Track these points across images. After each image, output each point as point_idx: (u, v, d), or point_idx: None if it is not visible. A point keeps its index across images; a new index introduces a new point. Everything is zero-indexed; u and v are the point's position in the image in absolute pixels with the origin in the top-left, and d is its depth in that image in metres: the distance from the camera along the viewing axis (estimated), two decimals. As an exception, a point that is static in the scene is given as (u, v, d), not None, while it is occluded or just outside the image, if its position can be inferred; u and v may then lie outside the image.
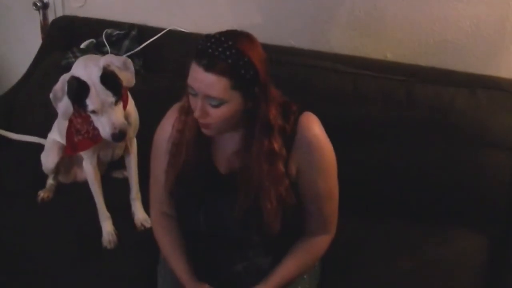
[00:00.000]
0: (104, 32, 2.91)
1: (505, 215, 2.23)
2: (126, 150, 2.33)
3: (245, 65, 1.54)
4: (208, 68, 1.52)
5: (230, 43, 1.54)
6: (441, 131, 2.27)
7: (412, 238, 2.18)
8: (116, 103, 1.98)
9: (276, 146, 1.65)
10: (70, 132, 2.15)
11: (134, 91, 2.20)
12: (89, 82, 1.94)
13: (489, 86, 2.31)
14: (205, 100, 1.57)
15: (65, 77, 2.00)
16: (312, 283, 1.89)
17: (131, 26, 2.92)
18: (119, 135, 1.99)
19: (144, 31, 2.90)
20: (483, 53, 2.44)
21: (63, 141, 2.33)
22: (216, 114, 1.59)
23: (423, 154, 2.28)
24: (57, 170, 2.48)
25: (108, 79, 1.97)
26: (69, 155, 2.37)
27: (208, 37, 1.57)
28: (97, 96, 1.94)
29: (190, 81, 1.58)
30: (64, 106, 2.01)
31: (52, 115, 2.47)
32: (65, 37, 3.06)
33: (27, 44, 3.38)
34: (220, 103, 1.56)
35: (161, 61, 2.83)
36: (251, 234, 1.73)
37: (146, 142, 2.09)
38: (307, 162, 1.70)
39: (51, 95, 2.03)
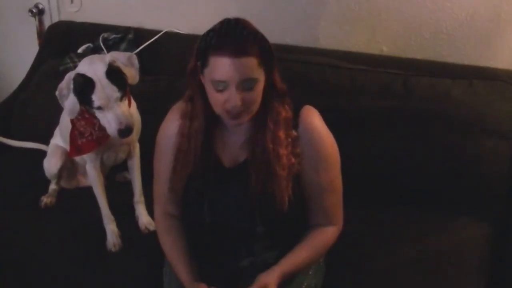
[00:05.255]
0: (100, 36, 2.91)
1: (506, 203, 2.24)
2: (129, 154, 2.33)
3: (262, 39, 1.62)
4: (237, 53, 1.55)
5: (240, 25, 1.60)
6: (439, 122, 2.28)
7: (414, 228, 2.20)
8: (121, 98, 1.98)
9: (289, 112, 1.73)
10: (74, 135, 2.15)
11: (132, 94, 2.20)
12: (94, 77, 1.94)
13: (485, 76, 2.33)
14: (239, 86, 1.58)
15: (70, 75, 2.00)
16: (318, 278, 1.90)
17: (128, 29, 2.93)
18: (126, 131, 1.98)
19: (141, 33, 2.91)
20: (479, 44, 2.45)
21: (65, 145, 2.34)
22: (252, 97, 1.62)
23: (422, 145, 2.30)
24: (60, 175, 2.48)
25: (114, 74, 1.97)
26: (73, 157, 2.37)
27: (215, 30, 1.61)
28: (103, 91, 1.94)
29: (218, 75, 1.58)
30: (70, 103, 2.00)
31: (51, 122, 2.49)
32: (62, 43, 3.07)
33: (23, 51, 3.39)
34: (253, 84, 1.60)
35: (158, 63, 2.83)
36: (256, 224, 1.74)
37: (146, 144, 2.10)
38: (309, 152, 1.73)
39: (56, 93, 2.02)
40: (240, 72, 1.56)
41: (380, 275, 1.98)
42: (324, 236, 1.81)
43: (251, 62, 1.57)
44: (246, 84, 1.59)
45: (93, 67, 1.97)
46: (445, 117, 2.28)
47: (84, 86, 1.95)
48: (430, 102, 2.30)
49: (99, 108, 1.97)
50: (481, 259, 2.08)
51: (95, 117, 2.04)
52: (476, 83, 2.29)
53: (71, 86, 1.98)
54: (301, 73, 2.45)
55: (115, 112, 1.96)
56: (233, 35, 1.58)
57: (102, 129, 2.06)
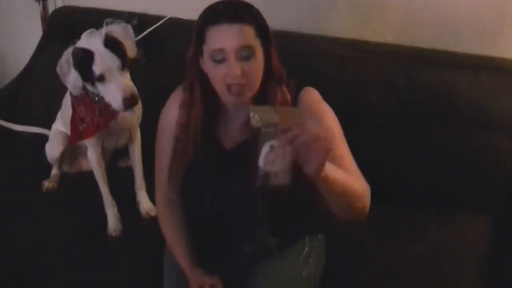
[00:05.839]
0: (104, 22, 2.89)
1: (509, 198, 2.23)
2: (130, 139, 2.33)
3: (258, 14, 1.66)
4: (233, 19, 1.58)
5: (235, 0, 1.63)
6: (444, 114, 2.28)
7: (415, 223, 2.19)
8: (122, 68, 1.98)
9: (287, 96, 1.71)
10: (74, 121, 2.15)
11: (136, 80, 2.19)
12: (92, 48, 1.96)
13: (491, 67, 2.31)
14: (237, 55, 1.59)
15: (69, 50, 2.02)
16: (318, 267, 1.90)
17: (131, 15, 2.91)
18: (131, 100, 1.98)
19: (145, 20, 2.89)
20: (485, 34, 2.43)
21: (67, 130, 2.34)
22: (251, 69, 1.62)
23: (425, 138, 2.29)
24: (61, 159, 2.49)
25: (111, 43, 1.98)
26: (74, 143, 2.37)
27: (211, 6, 1.64)
28: (102, 60, 1.95)
29: (215, 43, 1.60)
30: (72, 79, 2.01)
31: (54, 107, 2.49)
32: (66, 28, 3.04)
33: (27, 36, 3.37)
34: (252, 53, 1.61)
35: (162, 50, 2.82)
36: (256, 206, 1.73)
37: (148, 131, 2.09)
38: None
39: (57, 69, 2.03)
40: (237, 39, 1.58)
41: (381, 271, 1.98)
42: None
43: (248, 30, 1.60)
44: (244, 52, 1.59)
45: (90, 40, 1.99)
46: (449, 110, 2.28)
47: (84, 59, 1.96)
48: (434, 94, 2.30)
49: (101, 79, 1.96)
50: (484, 254, 2.07)
51: (95, 102, 2.05)
52: (482, 74, 2.28)
53: (71, 61, 1.99)
54: (305, 62, 2.44)
55: (117, 82, 1.97)
56: (229, 6, 1.61)
57: (102, 114, 2.07)
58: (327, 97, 1.81)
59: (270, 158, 1.36)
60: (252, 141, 1.39)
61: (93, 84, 2.00)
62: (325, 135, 1.36)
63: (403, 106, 2.32)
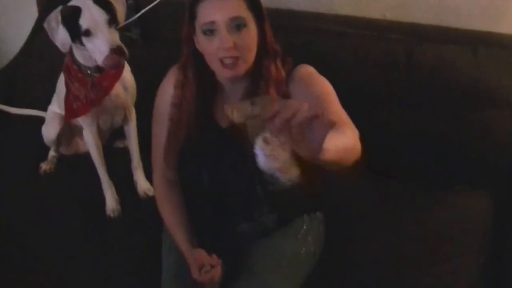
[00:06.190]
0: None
1: (510, 175, 2.22)
2: (125, 119, 2.32)
3: None
4: None
5: None
6: (443, 91, 2.26)
7: (416, 201, 2.18)
8: (110, 24, 1.96)
9: (282, 72, 1.71)
10: (69, 99, 2.14)
11: (132, 60, 2.17)
12: (80, 4, 1.95)
13: (490, 43, 2.29)
14: (228, 27, 1.59)
15: (58, 8, 2.00)
16: (317, 245, 1.90)
17: (128, -5, 2.89)
18: (117, 51, 1.93)
19: (141, -1, 2.88)
20: (484, 9, 2.41)
21: (62, 112, 2.33)
22: (244, 41, 1.62)
23: (424, 115, 2.28)
24: (58, 141, 2.48)
25: (101, 1, 1.97)
26: (70, 122, 2.36)
27: None
28: (90, 14, 1.93)
29: (206, 17, 1.61)
30: (61, 36, 1.99)
31: (51, 88, 2.47)
32: (61, 9, 3.03)
33: (23, 18, 3.35)
34: (243, 23, 1.61)
35: (159, 30, 2.80)
36: (254, 185, 1.72)
37: (145, 112, 2.09)
38: (307, 95, 1.67)
39: (45, 25, 2.02)
40: (227, 10, 1.58)
41: (381, 247, 1.98)
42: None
43: (238, 2, 1.60)
44: (235, 23, 1.59)
45: None
46: (448, 87, 2.26)
47: (72, 14, 1.95)
48: (433, 71, 2.28)
49: (87, 33, 1.94)
50: (484, 233, 2.07)
51: (88, 76, 2.04)
52: (481, 50, 2.26)
53: (59, 18, 1.97)
54: (303, 41, 2.42)
55: (104, 35, 1.93)
56: None
57: (95, 89, 2.06)
58: (325, 75, 1.79)
59: (268, 152, 1.21)
60: (242, 140, 1.26)
61: (81, 42, 1.98)
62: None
63: (403, 83, 2.30)
